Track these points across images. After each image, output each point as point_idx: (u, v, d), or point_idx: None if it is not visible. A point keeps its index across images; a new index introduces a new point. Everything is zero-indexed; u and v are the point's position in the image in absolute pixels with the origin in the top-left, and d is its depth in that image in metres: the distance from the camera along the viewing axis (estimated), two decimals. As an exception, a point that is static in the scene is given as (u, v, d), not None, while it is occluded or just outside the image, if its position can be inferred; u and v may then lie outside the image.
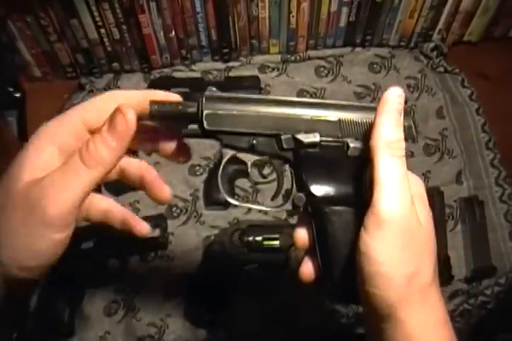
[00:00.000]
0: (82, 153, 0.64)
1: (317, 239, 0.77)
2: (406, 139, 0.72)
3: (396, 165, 0.66)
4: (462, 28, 1.98)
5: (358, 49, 1.99)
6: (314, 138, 0.74)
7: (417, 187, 0.72)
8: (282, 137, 0.75)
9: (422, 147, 1.78)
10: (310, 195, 0.75)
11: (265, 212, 1.62)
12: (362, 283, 0.67)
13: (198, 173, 1.68)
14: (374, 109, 0.73)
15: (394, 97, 0.73)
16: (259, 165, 1.59)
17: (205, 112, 0.73)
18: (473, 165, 1.77)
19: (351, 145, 0.74)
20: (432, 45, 1.97)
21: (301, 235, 0.80)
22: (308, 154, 0.75)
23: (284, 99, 0.76)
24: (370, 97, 1.88)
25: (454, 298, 1.54)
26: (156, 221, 1.53)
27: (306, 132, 0.74)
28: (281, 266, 1.49)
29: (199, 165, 1.69)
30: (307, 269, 0.80)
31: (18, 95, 1.81)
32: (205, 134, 0.76)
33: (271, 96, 0.77)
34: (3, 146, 1.55)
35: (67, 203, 0.63)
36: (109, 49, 1.84)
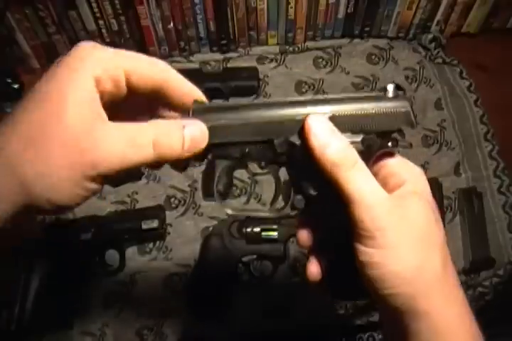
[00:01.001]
0: (158, 140, 0.65)
1: (318, 239, 0.77)
2: (401, 130, 0.74)
3: (358, 176, 0.66)
4: (460, 19, 1.98)
5: (356, 40, 1.99)
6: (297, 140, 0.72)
7: (413, 182, 0.70)
8: (275, 141, 0.72)
9: (420, 138, 1.78)
10: (308, 196, 0.74)
11: (263, 204, 1.62)
12: (372, 289, 0.67)
13: (196, 164, 1.68)
14: (368, 98, 0.73)
15: (316, 119, 0.69)
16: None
17: None
18: (471, 156, 1.77)
19: (348, 140, 0.71)
20: (430, 36, 1.96)
21: (303, 235, 0.79)
22: (302, 155, 0.72)
23: (274, 101, 0.73)
24: (368, 88, 1.88)
25: (453, 289, 1.54)
26: (154, 212, 1.53)
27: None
28: (280, 257, 1.50)
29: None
30: (314, 269, 0.79)
31: (16, 87, 1.80)
32: None
33: (259, 101, 0.75)
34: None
35: (117, 168, 0.63)
36: (108, 40, 1.83)
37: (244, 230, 1.48)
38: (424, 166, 1.72)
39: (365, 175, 0.67)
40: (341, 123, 0.70)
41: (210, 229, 1.57)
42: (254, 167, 1.59)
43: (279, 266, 1.51)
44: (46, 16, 1.72)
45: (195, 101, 0.73)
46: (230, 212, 0.83)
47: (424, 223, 0.67)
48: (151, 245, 1.57)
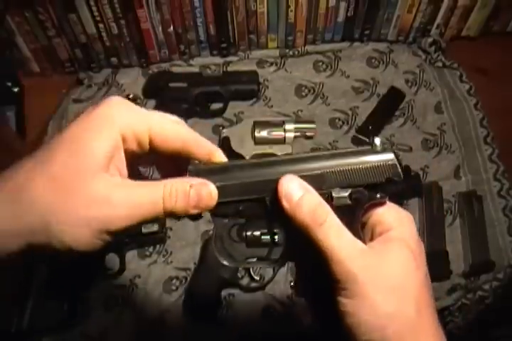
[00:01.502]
0: (167, 200, 0.67)
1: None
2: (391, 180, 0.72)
3: (329, 232, 0.67)
4: (460, 22, 1.98)
5: (356, 44, 1.99)
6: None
7: (398, 228, 0.71)
8: (267, 199, 0.73)
9: (420, 142, 1.78)
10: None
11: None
12: (349, 334, 0.67)
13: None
14: (356, 153, 0.73)
15: (287, 182, 0.70)
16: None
17: None
18: (471, 160, 1.77)
19: (335, 195, 0.72)
20: (430, 39, 1.97)
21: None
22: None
23: (267, 160, 0.74)
24: (368, 92, 1.88)
25: (453, 292, 1.54)
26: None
27: None
28: (280, 261, 1.49)
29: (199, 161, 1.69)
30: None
31: (16, 90, 1.81)
32: None
33: (253, 159, 0.75)
34: (2, 141, 1.56)
35: (128, 223, 0.65)
36: (108, 44, 1.84)
37: (244, 233, 1.48)
38: (424, 170, 1.72)
39: (337, 231, 0.67)
40: (330, 179, 0.72)
41: (210, 232, 1.57)
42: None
43: (279, 270, 1.51)
44: (46, 19, 1.72)
45: (192, 163, 0.74)
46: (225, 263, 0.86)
47: (401, 272, 0.67)
48: (151, 249, 1.57)
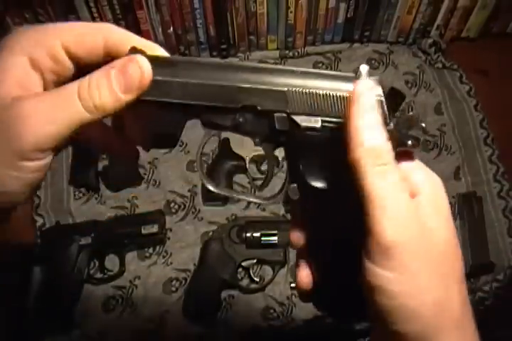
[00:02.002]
0: (82, 92, 0.58)
1: (312, 240, 0.68)
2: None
3: (389, 179, 0.55)
4: (460, 23, 1.98)
5: (356, 45, 1.99)
6: (314, 123, 0.62)
7: (432, 193, 0.61)
8: (275, 115, 0.63)
9: (420, 143, 1.78)
10: (306, 186, 0.64)
11: (263, 209, 1.62)
12: (380, 320, 0.56)
13: (196, 169, 1.68)
14: (340, 78, 0.62)
15: (366, 92, 0.59)
16: (257, 161, 1.60)
17: None
18: (471, 161, 1.77)
19: None
20: (430, 41, 1.97)
21: (295, 234, 0.69)
22: (306, 138, 0.63)
23: (231, 64, 0.64)
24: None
25: (452, 293, 1.54)
26: (154, 216, 1.53)
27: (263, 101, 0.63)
28: (280, 262, 1.50)
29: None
30: (305, 276, 0.69)
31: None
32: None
33: (212, 59, 0.65)
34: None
35: (48, 136, 0.57)
36: (108, 45, 1.84)
37: (244, 235, 1.49)
38: (424, 171, 1.71)
39: (396, 177, 0.56)
40: (295, 101, 0.62)
41: (210, 233, 1.57)
42: (254, 172, 1.59)
43: (279, 271, 1.51)
44: (46, 21, 1.72)
45: (131, 50, 0.63)
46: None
47: (446, 247, 0.58)
48: (150, 250, 1.56)
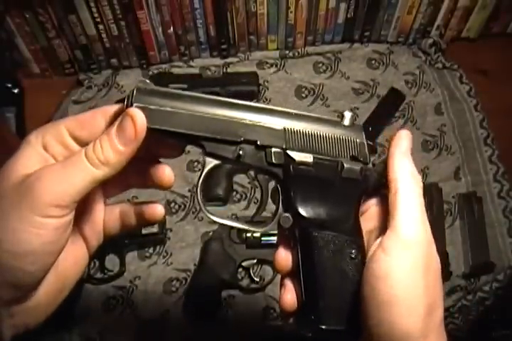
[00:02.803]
0: (88, 151, 0.63)
1: (302, 265, 0.72)
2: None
3: (420, 195, 0.67)
4: (460, 24, 1.98)
5: (356, 45, 1.99)
6: (307, 158, 0.72)
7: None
8: (272, 150, 0.71)
9: (420, 143, 1.78)
10: (298, 216, 0.72)
11: (264, 209, 1.62)
12: (376, 309, 0.62)
13: (196, 169, 1.69)
14: (328, 122, 0.74)
15: (407, 137, 0.76)
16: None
17: (134, 105, 0.66)
18: (471, 161, 1.77)
19: (346, 165, 0.72)
20: (430, 41, 1.97)
21: (282, 257, 0.75)
22: (299, 172, 0.72)
23: (231, 102, 0.71)
24: (368, 93, 1.88)
25: (453, 294, 1.54)
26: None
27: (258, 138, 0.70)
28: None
29: (197, 161, 1.69)
30: (290, 297, 0.74)
31: (16, 91, 1.81)
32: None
33: (212, 96, 0.71)
34: (1, 142, 1.55)
35: (62, 193, 0.61)
36: (108, 45, 1.84)
37: (244, 235, 1.49)
38: (424, 171, 1.72)
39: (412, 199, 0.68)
40: (291, 138, 0.72)
41: (210, 233, 1.57)
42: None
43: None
44: (46, 21, 1.72)
45: (141, 81, 0.69)
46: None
47: (439, 267, 0.69)
48: (151, 250, 1.56)
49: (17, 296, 0.64)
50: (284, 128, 0.71)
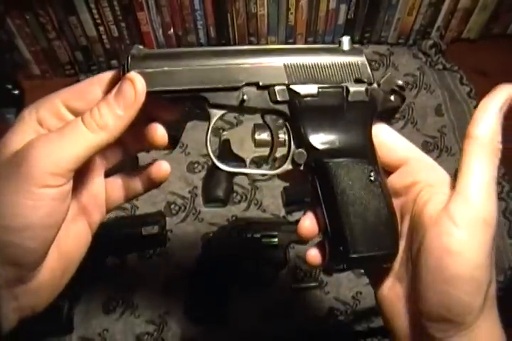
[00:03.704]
0: (85, 116, 0.62)
1: (323, 197, 0.71)
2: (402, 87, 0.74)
3: (496, 167, 0.69)
4: (461, 25, 1.98)
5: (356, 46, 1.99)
6: (311, 89, 0.71)
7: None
8: (276, 88, 0.70)
9: (420, 144, 1.78)
10: (312, 149, 0.71)
11: (264, 210, 1.62)
12: (445, 286, 0.62)
13: (196, 170, 1.69)
14: (323, 50, 0.73)
15: (506, 93, 0.66)
16: (257, 162, 1.60)
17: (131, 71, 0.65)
18: (471, 162, 1.77)
19: (351, 89, 0.71)
20: (430, 42, 1.97)
21: (307, 225, 0.73)
22: (306, 104, 0.71)
23: (226, 49, 0.71)
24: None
25: (453, 295, 1.54)
26: (155, 218, 1.53)
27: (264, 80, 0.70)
28: (280, 263, 1.50)
29: (198, 163, 1.69)
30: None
31: (16, 93, 1.81)
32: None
33: (208, 48, 0.71)
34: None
35: (59, 160, 0.60)
36: (108, 46, 1.84)
37: (244, 236, 1.48)
38: (424, 172, 1.71)
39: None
40: (293, 73, 0.71)
41: (211, 235, 1.57)
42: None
43: (280, 272, 1.51)
44: (46, 22, 1.72)
45: (135, 48, 0.68)
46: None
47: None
48: (151, 251, 1.56)
49: (20, 276, 0.63)
50: (284, 64, 0.71)
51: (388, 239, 0.68)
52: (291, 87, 0.71)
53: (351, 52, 0.74)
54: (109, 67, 1.92)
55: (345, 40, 0.75)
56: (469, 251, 0.62)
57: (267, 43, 1.94)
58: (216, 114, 0.71)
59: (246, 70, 0.70)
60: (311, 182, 0.73)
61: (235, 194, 1.65)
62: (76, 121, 0.62)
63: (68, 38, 1.79)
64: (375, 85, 0.73)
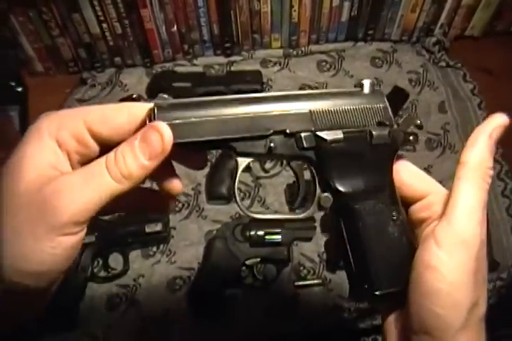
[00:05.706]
0: (109, 164, 0.61)
1: (348, 238, 0.72)
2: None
3: (484, 192, 0.67)
4: (464, 22, 1.98)
5: (359, 43, 2.00)
6: (337, 135, 0.70)
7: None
8: (302, 135, 0.69)
9: (424, 141, 1.78)
10: (337, 193, 0.71)
11: (267, 207, 1.62)
12: (419, 296, 0.64)
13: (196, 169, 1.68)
14: (345, 94, 0.74)
15: (497, 122, 0.74)
16: (260, 160, 1.59)
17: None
18: (475, 159, 1.76)
19: (375, 132, 0.71)
20: (433, 39, 1.97)
21: None
22: (332, 150, 0.71)
23: (252, 97, 0.70)
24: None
25: (456, 292, 1.53)
26: (158, 215, 1.53)
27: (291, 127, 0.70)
28: (284, 260, 1.50)
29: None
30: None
31: (20, 90, 1.81)
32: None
33: (233, 96, 0.71)
34: (5, 141, 1.55)
35: (83, 209, 0.59)
36: (111, 43, 1.84)
37: (247, 233, 1.48)
38: (427, 169, 1.71)
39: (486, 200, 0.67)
40: (318, 119, 0.71)
41: (214, 232, 1.57)
42: (257, 170, 1.59)
43: (283, 269, 1.51)
44: (50, 19, 1.72)
45: (159, 97, 0.67)
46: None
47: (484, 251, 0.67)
48: (154, 248, 1.56)
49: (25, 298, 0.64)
50: (310, 111, 0.71)
51: (407, 274, 0.68)
52: (318, 133, 0.70)
53: (373, 95, 0.75)
54: (112, 65, 1.92)
55: (367, 83, 0.75)
56: (447, 269, 0.62)
57: (270, 41, 1.94)
58: (243, 161, 0.71)
59: (273, 118, 0.69)
60: (336, 222, 0.74)
61: (238, 191, 1.64)
62: (100, 166, 0.61)
63: (72, 35, 1.79)
64: (395, 126, 0.74)
